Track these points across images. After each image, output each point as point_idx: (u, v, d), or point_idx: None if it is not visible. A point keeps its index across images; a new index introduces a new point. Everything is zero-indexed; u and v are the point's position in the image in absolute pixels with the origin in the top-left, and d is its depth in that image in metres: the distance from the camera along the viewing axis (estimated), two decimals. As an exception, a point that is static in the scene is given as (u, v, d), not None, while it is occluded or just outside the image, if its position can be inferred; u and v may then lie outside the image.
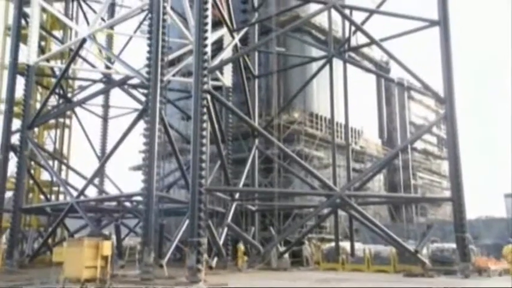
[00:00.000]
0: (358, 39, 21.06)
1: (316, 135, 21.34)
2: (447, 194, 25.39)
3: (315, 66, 19.36)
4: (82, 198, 15.05)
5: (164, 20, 13.78)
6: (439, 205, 30.02)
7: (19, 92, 16.52)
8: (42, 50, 19.04)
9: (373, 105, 28.18)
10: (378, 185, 25.67)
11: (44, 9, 17.11)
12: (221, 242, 14.79)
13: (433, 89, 14.54)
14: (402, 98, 30.20)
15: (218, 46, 18.75)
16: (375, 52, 27.18)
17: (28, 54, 16.09)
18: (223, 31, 18.35)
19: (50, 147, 21.15)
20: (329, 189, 14.36)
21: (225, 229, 15.46)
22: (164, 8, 13.81)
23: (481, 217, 20.75)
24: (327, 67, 17.59)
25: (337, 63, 17.98)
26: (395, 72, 26.07)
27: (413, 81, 16.12)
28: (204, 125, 12.26)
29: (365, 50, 25.14)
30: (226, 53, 17.73)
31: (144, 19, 21.00)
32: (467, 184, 13.68)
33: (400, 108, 29.91)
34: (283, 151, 15.19)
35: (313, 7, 19.18)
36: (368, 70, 21.60)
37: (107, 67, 20.41)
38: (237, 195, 16.80)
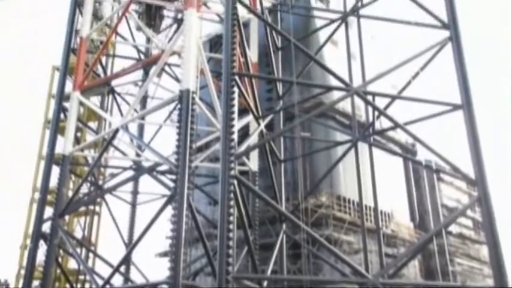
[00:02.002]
0: (383, 122, 21.35)
1: (345, 219, 20.88)
2: (490, 282, 23.72)
3: (340, 149, 19.51)
4: (107, 287, 14.78)
5: (193, 110, 14.43)
6: (481, 294, 27.98)
7: (53, 181, 17.13)
8: (77, 141, 20.04)
9: (402, 188, 27.71)
10: (413, 271, 24.35)
11: (81, 103, 18.24)
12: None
13: (462, 171, 14.26)
14: (432, 179, 29.69)
15: (244, 132, 19.29)
16: (400, 134, 27.34)
17: (64, 145, 16.91)
18: (249, 118, 18.98)
19: (78, 234, 21.37)
20: (361, 276, 13.67)
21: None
22: (193, 99, 14.52)
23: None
24: (353, 150, 17.69)
25: (363, 146, 18.10)
26: (423, 154, 25.94)
27: (442, 163, 15.90)
28: (231, 210, 12.20)
29: (390, 132, 25.35)
30: (253, 139, 18.16)
31: (174, 109, 22.12)
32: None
33: (431, 191, 29.26)
34: (311, 236, 14.82)
35: (336, 93, 19.82)
36: (394, 153, 21.60)
37: (137, 155, 21.16)
38: (265, 283, 16.17)
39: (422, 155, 27.01)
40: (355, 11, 17.63)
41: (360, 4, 17.40)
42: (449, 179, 29.47)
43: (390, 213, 24.07)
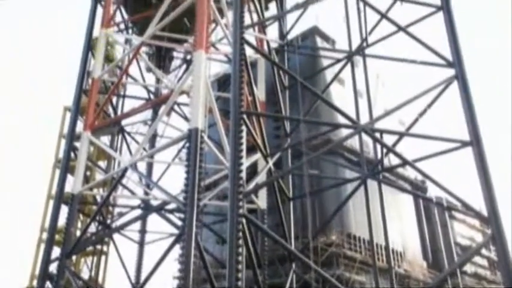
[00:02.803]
0: (391, 158, 21.27)
1: (356, 258, 20.44)
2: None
3: (349, 186, 19.36)
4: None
5: (201, 148, 14.54)
6: (501, 337, 26.82)
7: (61, 220, 17.12)
8: (86, 180, 20.14)
9: (414, 225, 27.21)
10: (428, 313, 23.52)
11: (92, 143, 18.45)
12: None
13: (475, 209, 14.02)
14: (443, 217, 29.17)
15: (253, 170, 19.28)
16: (409, 171, 27.14)
17: (74, 184, 17.00)
18: (257, 156, 19.03)
19: (85, 274, 21.11)
20: (374, 318, 13.24)
21: None
22: (202, 137, 14.65)
23: None
24: (362, 187, 17.53)
25: (372, 183, 17.95)
26: (433, 190, 25.61)
27: (454, 200, 15.66)
28: (240, 249, 12.03)
29: (399, 169, 25.18)
30: (261, 177, 18.13)
31: (183, 147, 22.28)
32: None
33: (443, 228, 28.68)
34: (322, 276, 14.48)
35: (344, 130, 19.90)
36: (404, 190, 21.37)
37: (146, 193, 21.17)
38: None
39: (432, 191, 26.69)
40: (360, 50, 17.94)
41: (365, 44, 17.74)
42: (462, 216, 28.93)
43: (402, 252, 23.54)
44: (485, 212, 13.53)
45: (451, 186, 13.82)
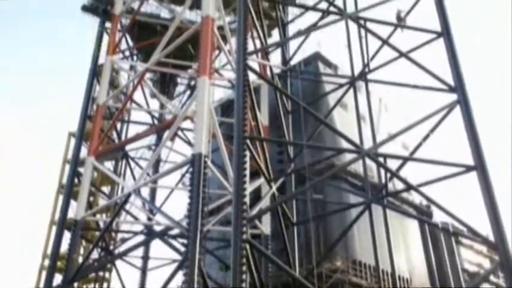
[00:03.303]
0: (396, 183, 21.14)
1: (362, 284, 20.05)
2: None
3: (353, 211, 19.19)
4: None
5: (205, 173, 14.53)
6: None
7: (64, 246, 16.99)
8: (89, 205, 20.09)
9: (420, 251, 26.79)
10: None
11: (95, 168, 18.48)
12: None
13: (482, 235, 13.80)
14: (450, 243, 28.71)
15: (256, 195, 19.19)
16: (414, 196, 26.91)
17: (77, 210, 16.96)
18: (261, 181, 18.97)
19: (86, 302, 20.81)
20: None
21: None
22: (205, 162, 14.66)
23: None
24: (367, 212, 17.39)
25: (377, 208, 17.80)
26: (439, 215, 25.32)
27: (460, 225, 15.46)
28: (243, 275, 11.86)
29: (404, 194, 24.97)
30: (264, 202, 18.03)
31: (186, 172, 22.26)
32: None
33: (449, 254, 28.19)
34: (327, 303, 14.21)
35: (348, 155, 19.86)
36: (409, 215, 21.16)
37: (149, 219, 21.06)
38: None
39: (438, 216, 26.39)
40: (362, 75, 18.10)
41: (367, 69, 17.90)
42: (469, 242, 28.51)
43: (409, 279, 23.10)
44: (492, 238, 13.34)
45: (456, 211, 13.67)
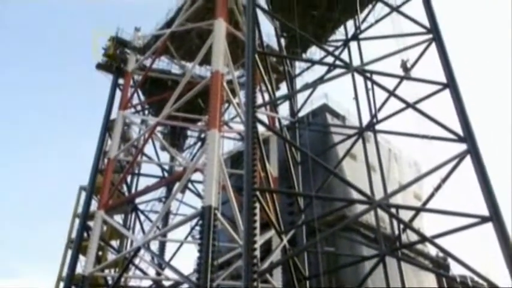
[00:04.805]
0: (410, 234, 20.64)
1: None
2: None
3: (367, 263, 18.65)
4: None
5: (215, 226, 14.39)
6: None
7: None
8: (98, 260, 19.81)
9: (438, 305, 25.66)
10: None
11: (105, 222, 18.42)
12: None
13: None
14: (469, 296, 27.52)
15: (267, 248, 18.83)
16: (429, 247, 26.15)
17: (85, 266, 16.74)
18: (271, 233, 18.69)
19: None
20: None
21: None
22: (215, 215, 14.57)
23: None
24: (381, 265, 16.87)
25: (391, 260, 17.29)
26: (456, 268, 24.44)
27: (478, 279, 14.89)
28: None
29: (419, 246, 24.30)
30: (275, 255, 17.67)
31: (196, 224, 22.06)
32: None
33: (469, 309, 26.96)
34: None
35: (359, 205, 19.60)
36: (424, 268, 20.49)
37: (158, 273, 20.63)
38: None
39: (455, 269, 25.47)
40: (370, 126, 18.21)
41: (375, 120, 18.04)
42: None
43: (428, 336, 22.00)
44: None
45: (474, 263, 13.21)
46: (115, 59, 23.22)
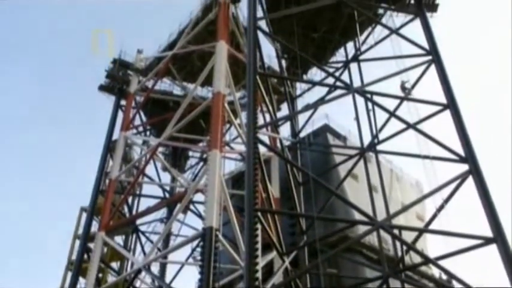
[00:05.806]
0: (413, 256, 20.40)
1: None
2: None
3: (370, 285, 18.40)
4: None
5: (216, 248, 14.28)
6: None
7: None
8: (98, 282, 19.58)
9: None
10: None
11: (105, 243, 18.29)
12: None
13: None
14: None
15: (268, 269, 18.63)
16: (433, 269, 25.81)
17: (85, 288, 16.58)
18: (273, 254, 18.52)
19: None
20: None
21: None
22: (216, 236, 14.47)
23: None
24: (384, 287, 16.65)
25: (395, 282, 17.05)
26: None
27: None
28: None
29: (422, 267, 23.99)
30: (277, 277, 17.47)
31: (197, 246, 21.85)
32: None
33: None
34: None
35: (362, 226, 19.45)
36: (429, 290, 20.19)
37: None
38: None
39: (460, 290, 25.07)
40: (372, 146, 18.22)
41: (376, 141, 18.06)
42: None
43: None
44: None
45: (479, 285, 13.01)
46: (117, 80, 23.43)
